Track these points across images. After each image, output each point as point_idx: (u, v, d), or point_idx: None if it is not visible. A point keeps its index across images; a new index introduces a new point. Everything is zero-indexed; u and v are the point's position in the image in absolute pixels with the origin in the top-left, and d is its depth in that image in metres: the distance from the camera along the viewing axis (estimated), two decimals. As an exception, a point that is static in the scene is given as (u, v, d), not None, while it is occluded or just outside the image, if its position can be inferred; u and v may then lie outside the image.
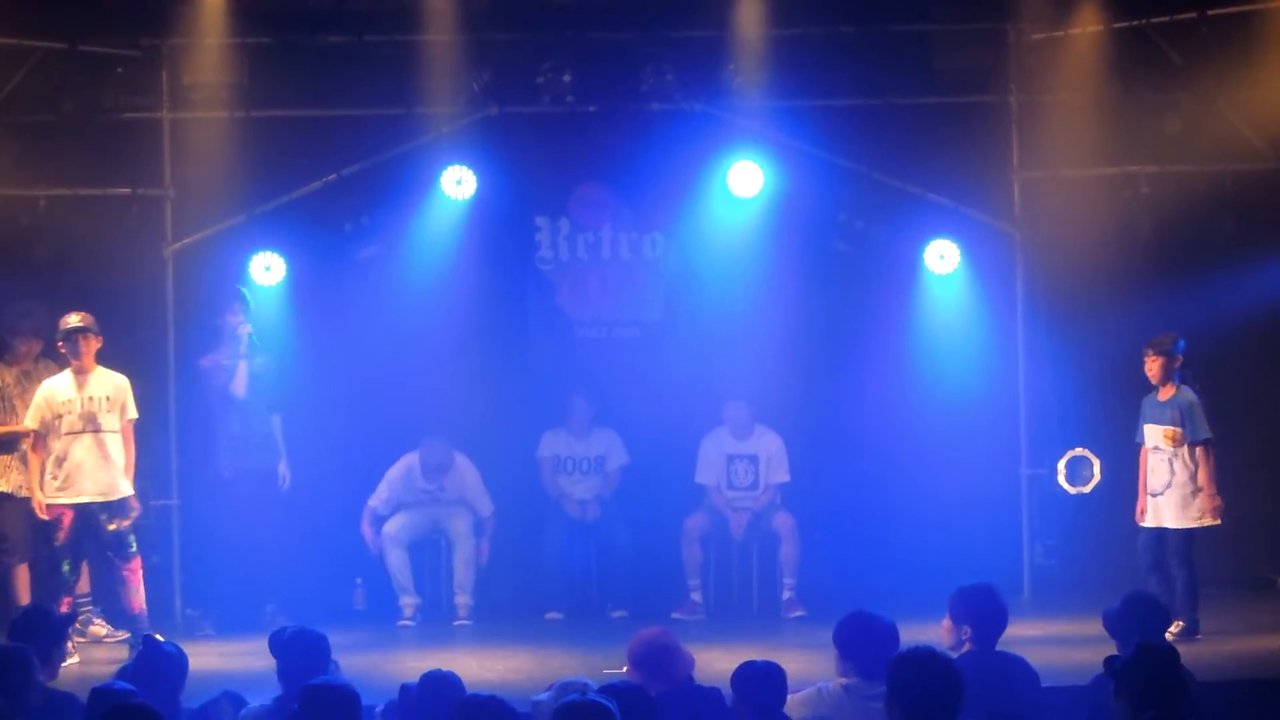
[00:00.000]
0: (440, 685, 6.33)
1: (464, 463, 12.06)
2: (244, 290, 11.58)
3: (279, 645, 6.91)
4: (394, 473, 12.04)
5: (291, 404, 11.86)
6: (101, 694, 6.23)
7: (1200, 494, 10.34)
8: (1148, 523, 10.44)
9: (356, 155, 12.20)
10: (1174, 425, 10.42)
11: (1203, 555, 10.44)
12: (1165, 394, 10.50)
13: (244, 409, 11.48)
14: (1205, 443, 10.38)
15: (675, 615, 11.70)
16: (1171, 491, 10.41)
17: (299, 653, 6.81)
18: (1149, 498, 10.48)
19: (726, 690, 6.54)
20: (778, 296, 12.43)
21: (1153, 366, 10.51)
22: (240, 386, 11.40)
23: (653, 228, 12.86)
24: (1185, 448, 10.40)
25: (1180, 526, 10.35)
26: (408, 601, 11.86)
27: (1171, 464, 10.41)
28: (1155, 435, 10.49)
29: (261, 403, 11.54)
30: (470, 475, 12.06)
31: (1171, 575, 10.30)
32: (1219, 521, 10.41)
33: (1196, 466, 10.38)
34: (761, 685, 6.35)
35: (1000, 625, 6.99)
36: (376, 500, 12.02)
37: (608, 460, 12.25)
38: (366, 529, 11.97)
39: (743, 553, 12.19)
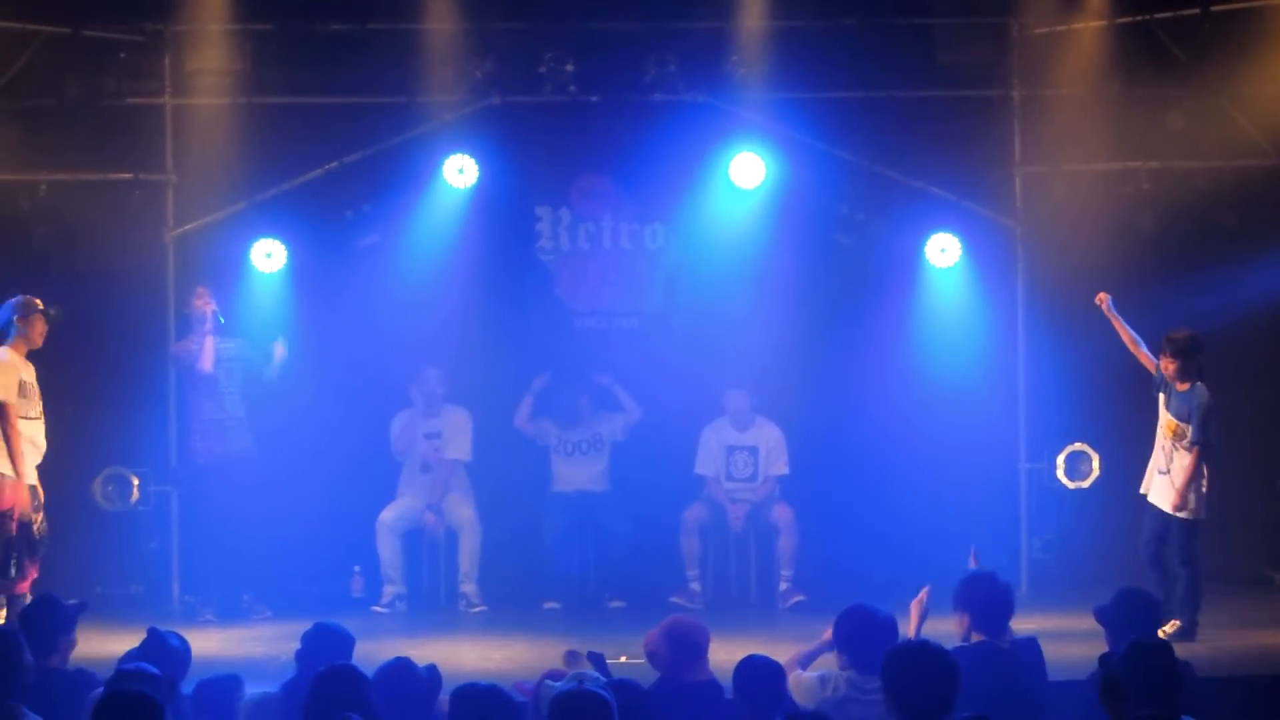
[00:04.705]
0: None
1: (457, 408, 12.14)
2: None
3: (307, 634, 6.95)
4: (397, 424, 12.11)
5: (291, 391, 11.86)
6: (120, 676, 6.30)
7: (1179, 490, 10.18)
8: (1146, 494, 10.31)
9: (358, 143, 12.20)
10: (1182, 421, 10.19)
11: (1201, 552, 10.38)
12: (1183, 387, 10.23)
13: (217, 392, 11.42)
14: (1200, 446, 10.15)
15: (674, 599, 11.71)
16: (1166, 479, 10.27)
17: (324, 644, 6.84)
18: (1156, 474, 10.29)
19: (725, 682, 6.56)
20: (778, 289, 12.42)
21: (1168, 367, 10.24)
22: (207, 361, 11.33)
23: (654, 218, 12.85)
24: (1183, 443, 10.28)
25: (1175, 515, 10.25)
26: (389, 590, 11.87)
27: (1169, 454, 10.30)
28: (1164, 421, 10.31)
29: (235, 387, 11.50)
30: (463, 416, 12.09)
31: (1173, 573, 10.14)
32: (1201, 516, 10.23)
33: (1188, 465, 10.20)
34: (759, 680, 6.38)
35: (1003, 612, 6.98)
36: (401, 454, 12.10)
37: (605, 434, 12.26)
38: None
39: (741, 544, 12.21)
